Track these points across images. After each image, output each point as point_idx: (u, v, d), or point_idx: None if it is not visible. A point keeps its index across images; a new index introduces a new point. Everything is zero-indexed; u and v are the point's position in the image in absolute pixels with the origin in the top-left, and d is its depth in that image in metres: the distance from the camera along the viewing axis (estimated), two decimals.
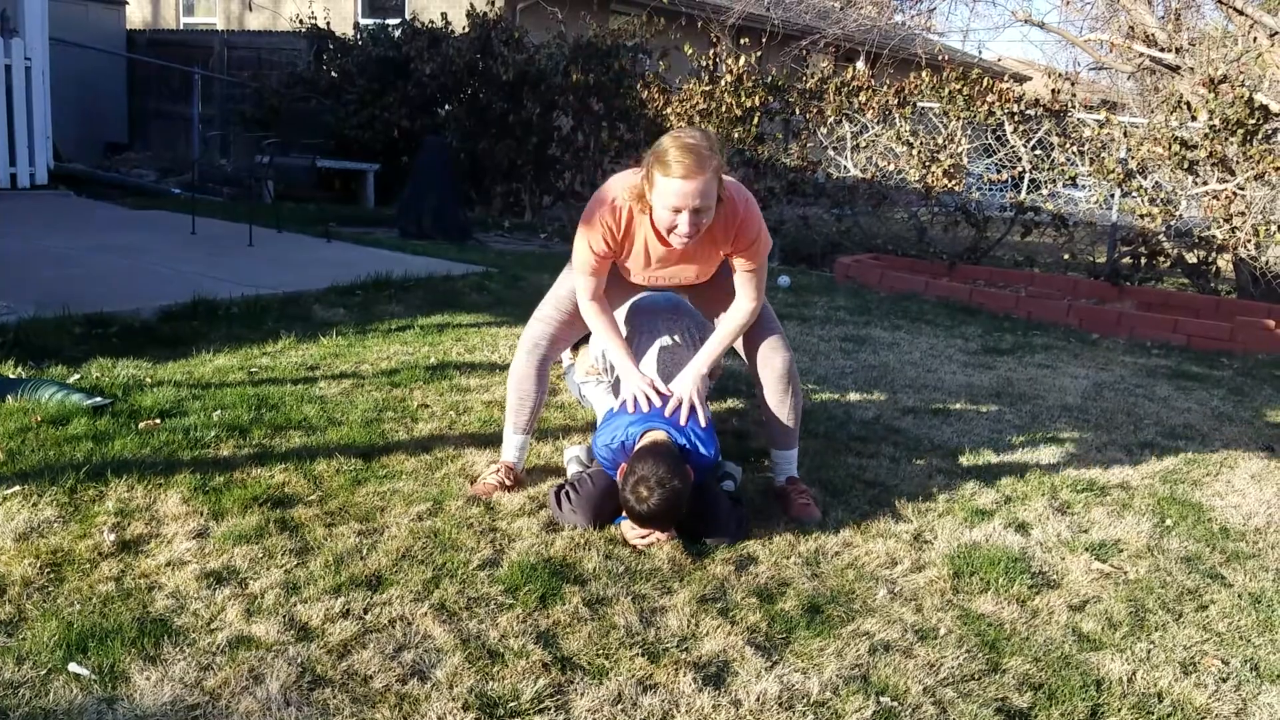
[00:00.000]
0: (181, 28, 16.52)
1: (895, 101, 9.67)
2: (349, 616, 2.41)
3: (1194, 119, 8.23)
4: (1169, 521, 3.53)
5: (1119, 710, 2.31)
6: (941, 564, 3.00)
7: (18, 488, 2.92)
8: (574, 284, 3.24)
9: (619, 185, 3.11)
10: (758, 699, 2.22)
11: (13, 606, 2.32)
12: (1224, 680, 2.49)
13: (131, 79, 14.02)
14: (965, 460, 4.03)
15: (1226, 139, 8.01)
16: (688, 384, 3.19)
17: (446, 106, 11.59)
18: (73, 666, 2.10)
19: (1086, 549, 3.22)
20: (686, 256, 3.16)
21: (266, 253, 7.38)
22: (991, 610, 2.74)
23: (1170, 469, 4.14)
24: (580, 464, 3.37)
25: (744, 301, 3.25)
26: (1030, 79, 20.48)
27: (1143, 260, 8.90)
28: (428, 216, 9.47)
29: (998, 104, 9.15)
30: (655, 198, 2.91)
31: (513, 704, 2.12)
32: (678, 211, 2.89)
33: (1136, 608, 2.84)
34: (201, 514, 2.88)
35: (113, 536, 2.69)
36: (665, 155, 2.84)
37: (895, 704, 2.24)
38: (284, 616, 2.38)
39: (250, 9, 15.85)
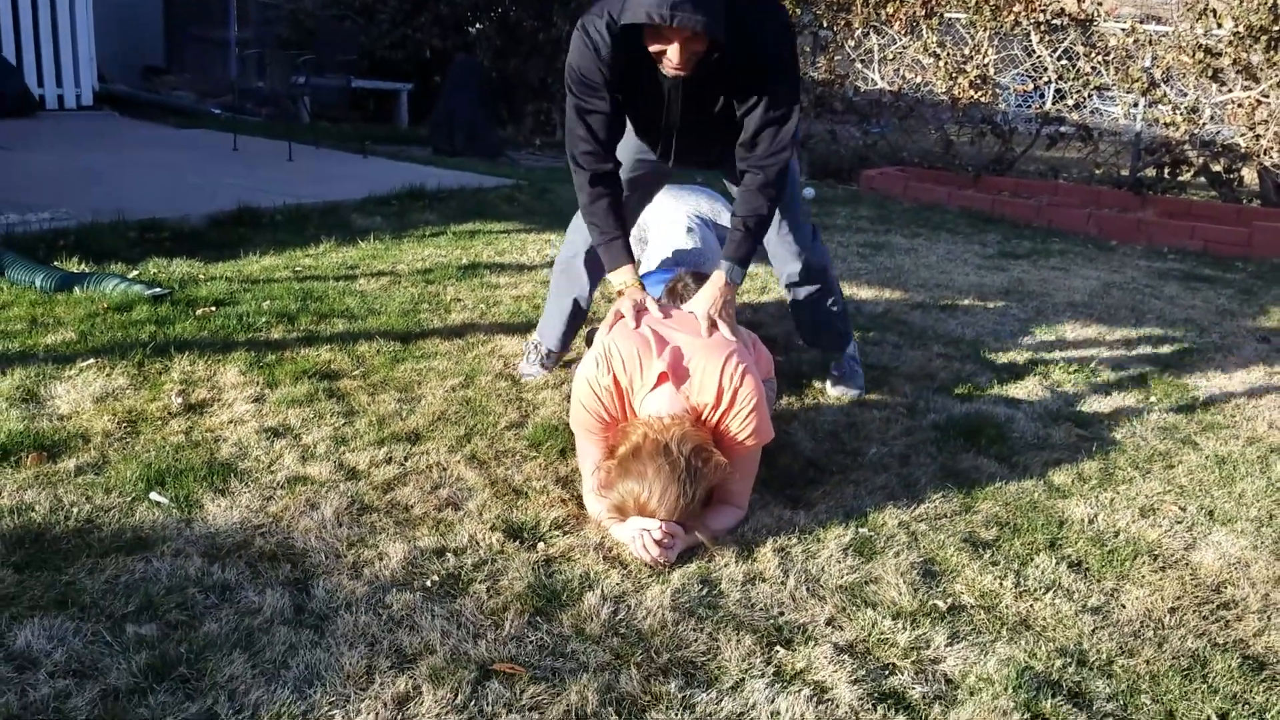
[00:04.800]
0: None
1: (923, 13, 9.71)
2: (391, 463, 2.72)
3: (1219, 26, 8.24)
4: (1153, 398, 3.77)
5: (1076, 543, 2.58)
6: (931, 429, 3.27)
7: (91, 361, 3.24)
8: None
9: None
10: (751, 528, 2.51)
11: (97, 452, 2.64)
12: (1178, 523, 2.75)
13: (168, 3, 14.22)
14: (966, 347, 4.27)
15: (1251, 46, 8.04)
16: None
17: (477, 25, 11.72)
18: (153, 495, 2.42)
19: (1069, 419, 3.47)
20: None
21: (306, 167, 7.66)
22: (972, 466, 3.01)
23: (1163, 354, 4.36)
24: None
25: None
26: None
27: (1166, 170, 8.99)
28: (460, 134, 9.68)
29: (1024, 14, 9.18)
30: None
31: (534, 528, 2.43)
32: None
33: (1108, 465, 3.10)
34: (257, 383, 3.19)
35: (180, 400, 3.01)
36: None
37: (872, 534, 2.53)
38: (335, 462, 2.69)
39: None
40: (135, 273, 4.32)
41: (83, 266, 4.32)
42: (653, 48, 2.47)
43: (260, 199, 5.99)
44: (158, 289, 3.95)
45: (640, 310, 2.63)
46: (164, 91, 11.73)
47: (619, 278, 2.77)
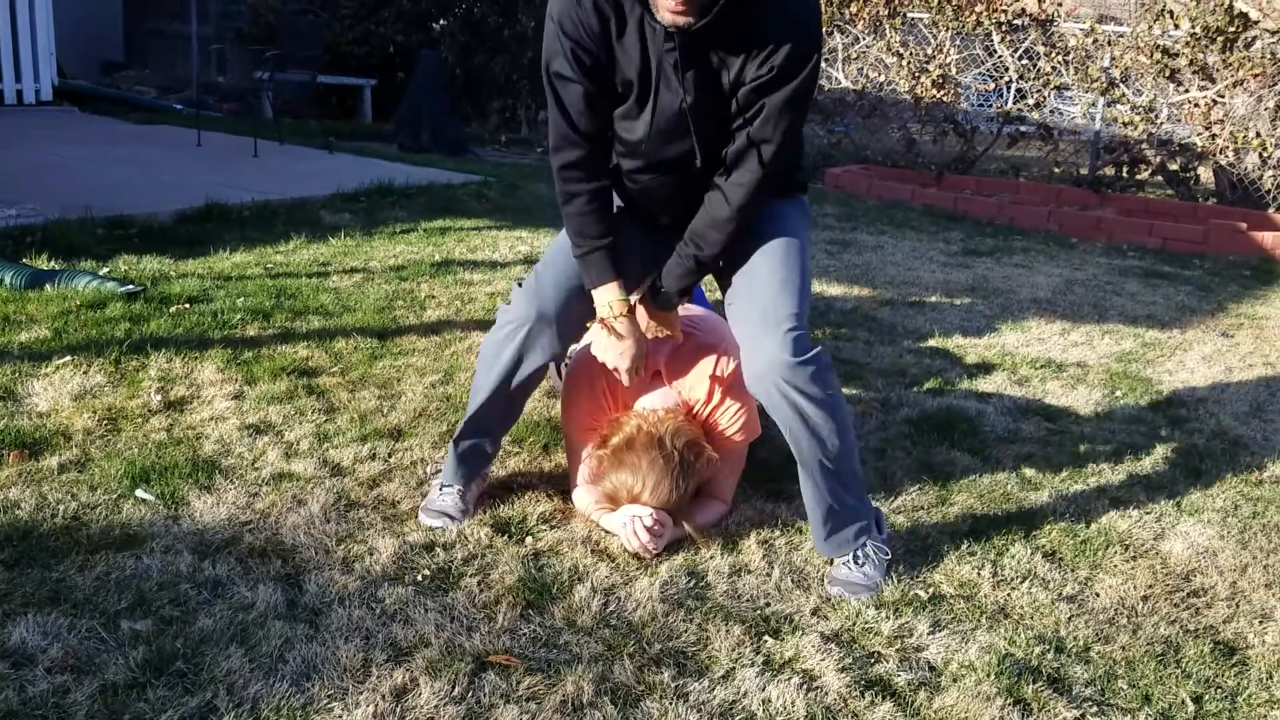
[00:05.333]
0: None
1: (886, 12, 9.81)
2: (375, 459, 2.73)
3: (1176, 27, 8.40)
4: (1119, 393, 3.85)
5: (1049, 533, 2.64)
6: (904, 423, 3.33)
7: (68, 358, 3.22)
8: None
9: None
10: (735, 521, 2.55)
11: (79, 450, 2.63)
12: (1148, 514, 2.82)
13: None
14: (935, 343, 4.34)
15: (1207, 47, 8.20)
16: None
17: (441, 21, 11.68)
18: (139, 493, 2.42)
19: (1038, 413, 3.54)
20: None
21: (271, 163, 7.60)
22: (946, 459, 3.07)
23: (1127, 351, 4.46)
24: None
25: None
26: None
27: (1125, 168, 9.15)
28: (425, 130, 9.65)
29: (985, 14, 9.30)
30: None
31: (522, 523, 2.45)
32: None
33: (1077, 458, 3.17)
34: (236, 381, 3.19)
35: (159, 397, 3.00)
36: None
37: None
38: (319, 459, 2.70)
39: None
40: (106, 270, 4.28)
41: (53, 263, 4.28)
42: None
43: (228, 195, 5.95)
44: (131, 286, 3.93)
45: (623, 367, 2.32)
46: (125, 86, 11.60)
47: (602, 296, 2.27)
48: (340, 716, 1.73)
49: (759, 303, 2.21)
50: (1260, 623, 2.30)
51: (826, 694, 1.91)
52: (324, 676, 1.82)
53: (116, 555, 2.15)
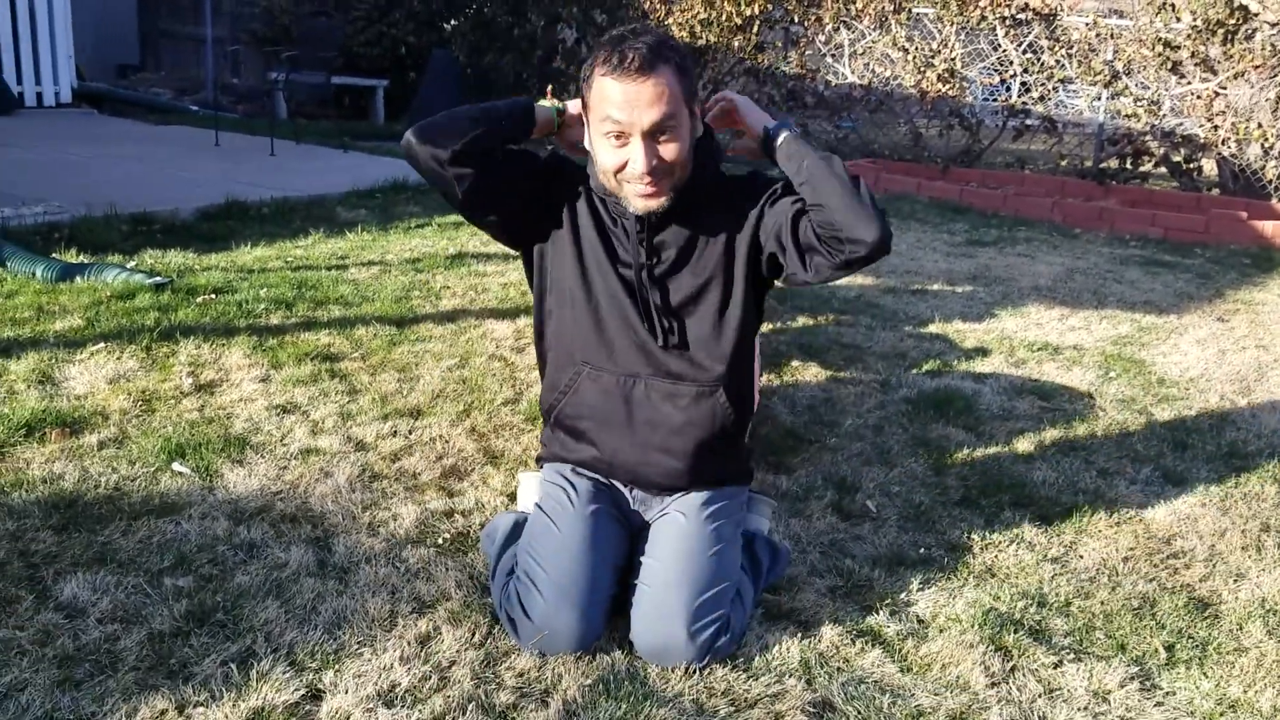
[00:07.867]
0: None
1: (891, 7, 9.92)
2: (396, 435, 2.88)
3: (1178, 19, 8.50)
4: (1113, 374, 3.97)
5: (1038, 501, 2.77)
6: (902, 402, 3.46)
7: (100, 345, 3.37)
8: None
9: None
10: None
11: (116, 428, 2.79)
12: (1134, 483, 2.95)
13: (142, 1, 14.26)
14: (936, 328, 4.46)
15: (1208, 39, 8.30)
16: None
17: (452, 21, 11.85)
18: (176, 466, 2.57)
19: (1033, 392, 3.67)
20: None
21: (288, 162, 7.77)
22: (941, 435, 3.20)
23: (1123, 335, 4.58)
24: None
25: None
26: None
27: (1128, 160, 9.25)
28: None
29: (990, 8, 9.41)
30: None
31: None
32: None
33: (1069, 434, 3.30)
34: (262, 365, 3.34)
35: (190, 380, 3.15)
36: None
37: (850, 494, 2.71)
38: (343, 435, 2.85)
39: None
40: (133, 263, 4.44)
41: (81, 258, 4.44)
42: (610, 159, 1.96)
43: (246, 193, 6.12)
44: (158, 278, 4.09)
45: None
46: (142, 88, 11.80)
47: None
48: (369, 660, 1.88)
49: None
50: (1235, 581, 2.43)
51: (820, 641, 2.04)
52: (354, 626, 1.96)
53: (157, 521, 2.29)
